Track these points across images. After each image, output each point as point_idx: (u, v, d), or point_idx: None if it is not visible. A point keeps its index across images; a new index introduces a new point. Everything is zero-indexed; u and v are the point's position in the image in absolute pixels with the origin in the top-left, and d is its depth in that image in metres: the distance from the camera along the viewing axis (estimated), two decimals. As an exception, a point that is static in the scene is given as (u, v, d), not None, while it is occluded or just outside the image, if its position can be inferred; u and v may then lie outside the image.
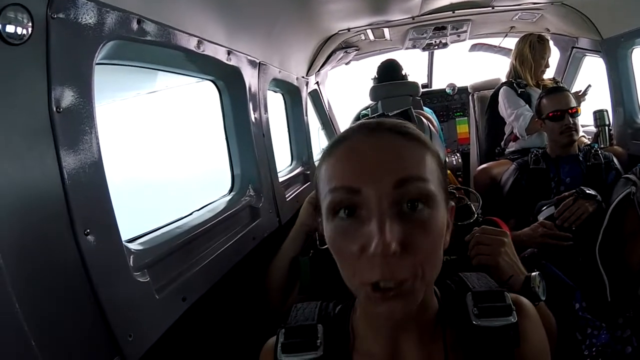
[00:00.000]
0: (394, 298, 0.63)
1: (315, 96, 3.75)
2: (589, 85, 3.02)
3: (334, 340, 0.79)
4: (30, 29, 0.78)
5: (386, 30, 3.24)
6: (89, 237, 0.91)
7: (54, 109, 0.84)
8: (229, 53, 1.67)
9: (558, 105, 2.32)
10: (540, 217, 2.11)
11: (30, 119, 0.81)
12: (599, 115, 2.73)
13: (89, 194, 0.93)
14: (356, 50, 3.62)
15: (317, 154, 3.39)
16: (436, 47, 3.91)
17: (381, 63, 3.86)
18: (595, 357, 1.54)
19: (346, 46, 3.41)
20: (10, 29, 0.74)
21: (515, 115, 3.02)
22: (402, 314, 0.65)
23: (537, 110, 2.45)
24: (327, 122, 4.04)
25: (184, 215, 1.54)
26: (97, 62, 0.97)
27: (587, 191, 2.01)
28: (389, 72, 3.74)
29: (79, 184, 0.89)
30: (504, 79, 3.31)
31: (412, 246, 0.62)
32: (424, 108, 3.68)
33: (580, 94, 2.96)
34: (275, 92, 2.80)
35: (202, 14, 1.44)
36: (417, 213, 0.64)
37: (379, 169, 0.65)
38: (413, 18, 2.94)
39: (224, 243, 1.56)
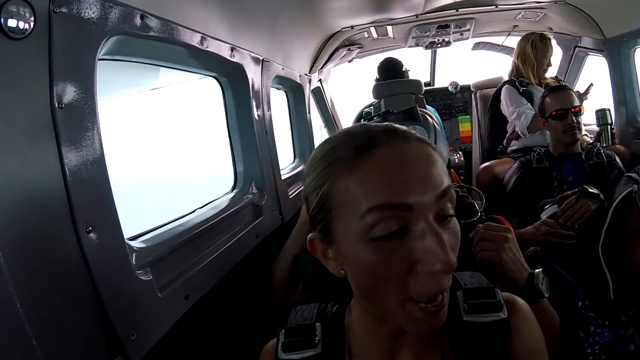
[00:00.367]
0: (438, 317, 0.64)
1: (318, 93, 3.74)
2: (591, 84, 3.01)
3: (331, 338, 0.79)
4: (32, 24, 0.77)
5: (389, 28, 3.23)
6: (91, 234, 0.90)
7: (56, 104, 0.83)
8: (232, 50, 1.66)
9: (561, 104, 2.31)
10: (543, 216, 2.11)
11: (31, 115, 0.80)
12: (601, 114, 2.73)
13: (90, 191, 0.92)
14: (359, 48, 3.62)
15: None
16: (439, 45, 3.91)
17: (381, 62, 3.87)
18: (598, 355, 1.55)
19: (349, 44, 3.41)
20: (12, 23, 0.73)
21: (517, 113, 3.01)
22: (442, 323, 0.66)
23: (540, 108, 2.44)
24: (329, 119, 4.03)
25: (186, 213, 1.53)
26: (99, 57, 0.96)
27: (590, 190, 2.01)
28: (391, 70, 3.75)
29: (80, 181, 0.89)
30: (506, 78, 3.30)
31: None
32: (426, 106, 3.68)
33: (582, 93, 2.95)
34: (278, 89, 2.80)
35: (205, 10, 1.43)
36: (450, 223, 0.64)
37: (424, 182, 0.62)
38: (416, 16, 2.93)
39: (227, 241, 1.56)
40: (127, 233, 1.06)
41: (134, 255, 1.07)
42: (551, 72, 3.26)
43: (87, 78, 0.92)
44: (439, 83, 4.90)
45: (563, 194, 2.09)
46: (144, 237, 1.23)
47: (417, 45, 3.90)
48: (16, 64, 0.77)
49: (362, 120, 3.95)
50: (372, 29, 3.14)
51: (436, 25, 3.38)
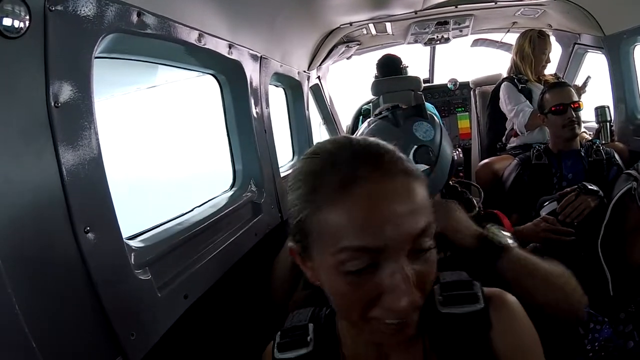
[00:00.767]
0: (402, 332, 0.67)
1: (317, 91, 3.74)
2: (589, 77, 3.02)
3: (323, 338, 0.83)
4: (27, 22, 0.76)
5: (388, 25, 3.23)
6: (89, 234, 0.90)
7: (52, 103, 0.83)
8: (230, 47, 1.66)
9: (561, 99, 2.32)
10: (543, 213, 2.11)
11: (27, 114, 0.79)
12: (600, 111, 2.74)
13: (88, 191, 0.92)
14: (358, 44, 3.61)
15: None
16: (438, 42, 3.92)
17: (380, 59, 3.86)
18: (597, 352, 1.55)
19: (348, 40, 3.41)
20: (7, 21, 0.73)
21: (515, 111, 3.02)
22: (409, 338, 0.69)
23: (540, 105, 2.44)
24: (328, 116, 4.03)
25: (185, 212, 1.53)
26: (96, 55, 0.95)
27: (589, 187, 2.02)
28: (390, 67, 3.74)
29: (78, 180, 0.88)
30: (505, 75, 3.30)
31: (422, 282, 0.65)
32: (425, 103, 3.67)
33: (580, 86, 2.95)
34: (277, 86, 2.80)
35: (203, 7, 1.42)
36: (426, 254, 0.66)
37: (401, 225, 0.62)
38: (415, 12, 2.93)
39: (226, 239, 1.55)
40: (125, 232, 1.05)
41: (132, 254, 1.07)
42: (550, 69, 3.26)
43: (84, 76, 0.91)
44: (438, 80, 4.89)
45: (562, 191, 2.09)
46: (142, 237, 1.23)
47: (416, 41, 3.91)
48: (12, 63, 0.76)
49: (361, 117, 3.95)
50: (371, 26, 3.14)
51: (435, 22, 3.38)
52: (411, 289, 0.62)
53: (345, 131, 4.25)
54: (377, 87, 3.73)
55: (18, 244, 0.75)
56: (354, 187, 0.63)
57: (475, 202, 1.50)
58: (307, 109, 3.08)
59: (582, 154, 2.32)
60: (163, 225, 1.36)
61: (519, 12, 3.16)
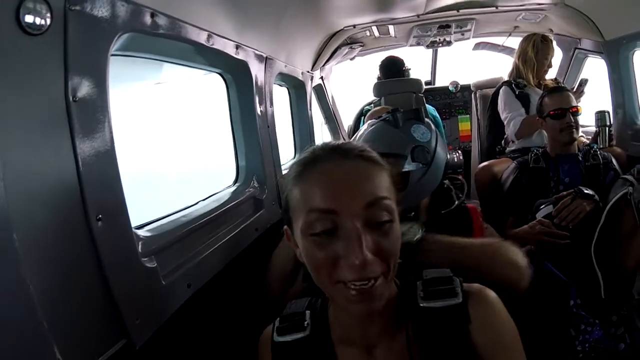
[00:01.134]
0: (367, 299, 0.76)
1: (320, 91, 3.76)
2: (586, 80, 3.04)
3: (318, 324, 0.92)
4: (49, 20, 0.80)
5: (391, 27, 3.25)
6: (100, 222, 0.93)
7: (70, 98, 0.86)
8: (237, 47, 1.70)
9: (560, 104, 2.35)
10: (539, 216, 2.14)
11: (47, 108, 0.83)
12: (600, 116, 2.75)
13: (102, 181, 0.96)
14: (361, 46, 3.64)
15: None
16: (440, 44, 3.94)
17: (383, 60, 3.89)
18: (587, 353, 1.58)
19: (351, 42, 3.43)
20: (29, 19, 0.76)
21: (507, 119, 3.07)
22: (375, 310, 0.78)
23: (539, 109, 2.47)
24: (330, 116, 4.05)
25: (189, 205, 1.57)
26: (111, 53, 0.99)
27: (585, 191, 2.04)
28: (392, 69, 3.77)
29: (92, 171, 0.92)
30: (506, 78, 3.32)
31: (381, 252, 0.75)
32: (426, 105, 3.71)
33: (577, 90, 2.97)
34: (281, 86, 2.83)
35: (212, 9, 1.46)
36: (383, 226, 0.77)
37: (352, 193, 0.76)
38: (418, 16, 2.96)
39: (228, 233, 1.59)
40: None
41: (140, 243, 1.11)
42: (551, 74, 3.29)
43: (100, 73, 0.95)
44: (440, 82, 4.91)
45: (559, 195, 2.13)
46: (149, 227, 1.27)
47: (418, 44, 3.92)
48: (33, 59, 0.79)
49: (363, 117, 3.99)
50: (374, 28, 3.17)
51: (437, 25, 3.40)
52: (363, 249, 0.73)
53: (346, 131, 4.28)
54: (379, 89, 3.76)
55: (35, 230, 0.79)
56: (316, 165, 0.81)
57: (457, 197, 1.54)
58: (310, 109, 3.11)
59: (580, 159, 2.34)
60: (169, 217, 1.40)
61: (520, 17, 3.18)
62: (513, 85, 3.07)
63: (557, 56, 3.60)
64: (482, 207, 1.71)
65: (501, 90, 3.15)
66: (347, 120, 4.42)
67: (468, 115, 4.53)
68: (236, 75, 1.85)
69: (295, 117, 3.02)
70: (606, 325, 1.75)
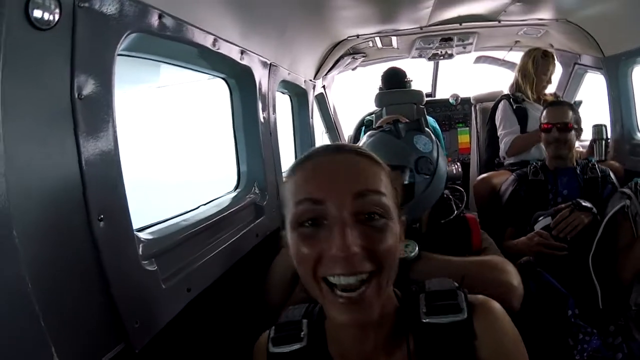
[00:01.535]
0: (356, 308, 0.71)
1: (321, 100, 3.78)
2: (580, 102, 3.07)
3: (316, 334, 0.86)
4: (57, 16, 0.80)
5: (394, 39, 3.28)
6: (102, 223, 0.92)
7: (76, 95, 0.86)
8: (242, 53, 1.70)
9: (551, 119, 2.37)
10: (537, 227, 2.15)
11: (52, 103, 0.82)
12: (597, 129, 2.78)
13: (104, 181, 0.95)
14: (363, 56, 3.66)
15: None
16: (442, 57, 3.96)
17: (385, 71, 3.90)
18: (585, 362, 1.58)
19: (354, 52, 3.45)
20: (38, 13, 0.76)
21: (501, 137, 3.10)
22: (363, 321, 0.74)
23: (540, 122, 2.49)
24: (331, 126, 4.07)
25: (190, 209, 1.56)
26: (118, 52, 0.99)
27: (583, 203, 2.05)
28: (394, 80, 3.78)
29: (95, 170, 0.91)
30: (506, 91, 3.34)
31: (370, 251, 0.71)
32: (427, 117, 3.72)
33: None
34: (283, 93, 2.84)
35: (219, 13, 1.47)
36: (374, 222, 0.72)
37: (340, 182, 0.73)
38: (421, 28, 2.98)
39: (228, 238, 1.58)
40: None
41: (141, 245, 1.09)
42: (550, 89, 3.31)
43: (106, 72, 0.95)
44: (440, 94, 4.94)
45: (557, 207, 2.13)
46: (150, 229, 1.26)
47: (420, 56, 3.94)
48: (40, 54, 0.79)
49: (364, 128, 4.00)
50: (377, 39, 3.19)
51: (440, 38, 3.43)
52: (347, 239, 0.69)
53: (347, 141, 4.28)
54: (380, 99, 3.77)
55: (36, 228, 0.78)
56: (307, 161, 0.79)
57: (456, 206, 1.54)
58: (312, 117, 3.12)
59: (578, 172, 2.35)
60: (170, 220, 1.39)
61: (521, 32, 3.21)
62: (511, 100, 3.08)
63: (557, 71, 3.63)
64: (481, 218, 1.71)
65: (500, 104, 3.16)
66: (347, 130, 4.42)
67: (467, 128, 4.54)
68: (240, 81, 1.86)
69: (297, 125, 3.03)
70: (604, 335, 1.75)
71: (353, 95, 5.16)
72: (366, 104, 4.25)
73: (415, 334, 0.81)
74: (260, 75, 1.91)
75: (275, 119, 2.10)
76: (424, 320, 0.81)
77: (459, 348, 0.78)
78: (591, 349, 1.62)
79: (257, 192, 1.92)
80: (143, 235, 1.16)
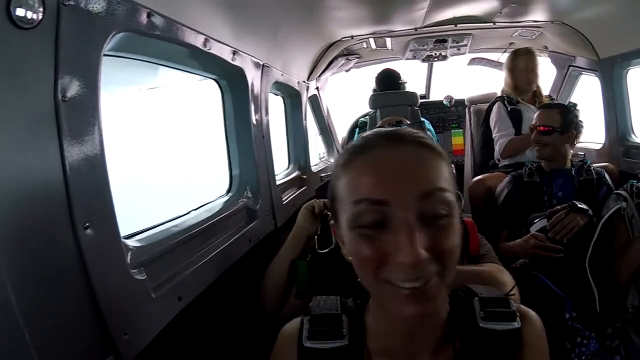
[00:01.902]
0: (420, 299, 0.67)
1: (315, 101, 3.75)
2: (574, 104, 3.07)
3: (355, 332, 0.81)
4: (41, 14, 0.76)
5: (388, 40, 3.27)
6: (87, 231, 0.89)
7: (60, 97, 0.82)
8: (234, 53, 1.67)
9: (535, 121, 2.41)
10: (533, 230, 2.15)
11: (35, 106, 0.79)
12: None
13: (90, 187, 0.91)
14: (357, 58, 3.64)
15: (314, 159, 3.39)
16: (436, 59, 3.97)
17: (379, 72, 3.90)
18: (584, 365, 1.58)
19: (348, 53, 3.44)
20: (20, 12, 0.72)
21: (496, 139, 3.11)
22: (425, 315, 0.70)
23: None
24: (325, 127, 4.05)
25: (181, 214, 1.53)
26: (104, 53, 0.95)
27: (579, 205, 2.05)
28: (388, 81, 3.78)
29: (80, 175, 0.88)
30: (500, 93, 3.34)
31: (436, 251, 0.66)
32: (422, 119, 3.71)
33: None
34: (276, 94, 2.81)
35: (210, 13, 1.44)
36: (440, 221, 0.68)
37: (406, 181, 0.68)
38: (415, 29, 2.97)
39: (220, 244, 1.55)
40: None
41: (129, 254, 1.06)
42: (545, 91, 3.31)
43: (92, 73, 0.91)
44: (434, 96, 4.94)
45: (553, 209, 2.13)
46: (139, 237, 1.23)
47: (414, 58, 3.94)
48: (22, 54, 0.76)
49: (357, 129, 3.98)
50: (371, 40, 3.17)
51: (434, 40, 3.43)
52: (416, 246, 0.64)
53: (340, 143, 4.27)
54: (375, 101, 3.77)
55: (18, 237, 0.75)
56: (364, 153, 0.72)
57: None
58: (305, 119, 3.10)
59: (573, 173, 2.35)
60: (159, 227, 1.36)
61: (516, 33, 3.22)
62: (506, 102, 3.08)
63: (551, 73, 3.64)
64: (476, 220, 1.70)
65: (494, 107, 3.16)
66: (341, 131, 4.40)
67: (461, 130, 4.56)
68: (232, 82, 1.82)
69: (290, 127, 3.00)
70: (601, 338, 1.76)
71: (346, 97, 5.15)
72: (360, 106, 4.25)
73: (464, 337, 0.79)
74: (253, 76, 1.88)
75: (268, 120, 2.07)
76: (481, 325, 0.78)
77: (506, 356, 0.78)
78: (589, 352, 1.62)
79: (250, 195, 1.89)
80: (131, 242, 1.13)
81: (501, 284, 1.28)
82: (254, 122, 1.90)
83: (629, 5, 2.22)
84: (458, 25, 2.98)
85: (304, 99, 3.07)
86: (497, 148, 3.08)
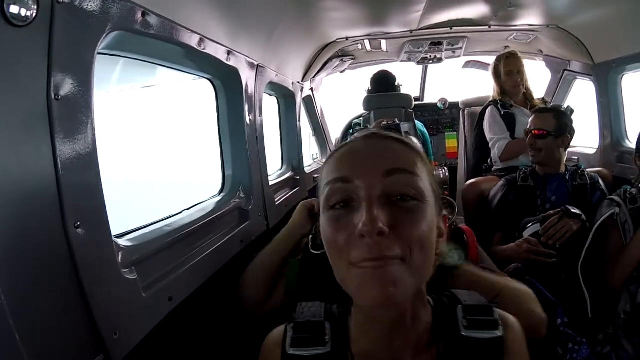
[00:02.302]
0: (381, 281, 0.66)
1: (309, 102, 3.76)
2: (572, 110, 3.08)
3: (338, 338, 0.81)
4: (35, 12, 0.76)
5: (383, 42, 3.28)
6: (79, 230, 0.88)
7: (53, 95, 0.82)
8: (228, 53, 1.66)
9: (530, 125, 2.42)
10: (526, 234, 2.15)
11: (27, 104, 0.79)
12: None
13: (81, 186, 0.91)
14: (352, 59, 3.65)
15: (307, 160, 3.39)
16: (431, 61, 3.97)
17: (375, 74, 3.89)
18: (575, 372, 1.58)
19: (343, 55, 3.44)
20: (14, 9, 0.72)
21: (492, 142, 3.12)
22: (387, 301, 0.67)
23: None
24: (318, 128, 4.05)
25: (173, 214, 1.52)
26: (98, 51, 0.95)
27: (572, 210, 2.06)
28: (384, 83, 3.78)
29: (72, 174, 0.87)
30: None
31: (399, 230, 0.67)
32: (415, 121, 3.72)
33: None
34: (270, 95, 2.81)
35: (205, 12, 1.43)
36: (406, 203, 0.70)
37: (371, 162, 0.72)
38: (411, 32, 2.98)
39: (212, 244, 1.54)
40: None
41: (120, 253, 1.06)
42: (539, 94, 3.33)
43: (86, 71, 0.91)
44: (429, 99, 4.95)
45: (546, 214, 2.13)
46: (130, 236, 1.22)
47: (409, 60, 3.95)
48: (16, 52, 0.75)
49: (351, 131, 3.98)
50: (367, 42, 3.18)
51: (429, 42, 3.44)
52: (375, 217, 0.66)
53: (334, 144, 4.27)
54: (369, 103, 3.76)
55: (8, 235, 0.74)
56: (342, 147, 0.79)
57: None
58: (299, 120, 3.09)
59: (567, 178, 2.36)
60: (151, 226, 1.35)
61: (511, 37, 3.24)
62: (499, 106, 3.09)
63: (546, 77, 3.65)
64: (469, 223, 1.70)
65: (487, 110, 3.18)
66: (334, 133, 4.40)
67: (455, 133, 4.57)
68: (226, 82, 1.82)
69: (284, 128, 3.00)
70: (593, 344, 1.76)
71: (340, 98, 5.15)
72: (353, 107, 4.25)
73: (447, 344, 0.79)
74: (247, 76, 1.88)
75: (261, 121, 2.07)
76: (464, 334, 0.79)
77: None
78: (580, 358, 1.61)
79: (243, 196, 1.89)
80: (122, 242, 1.12)
81: (535, 302, 1.28)
82: (248, 122, 1.89)
83: (624, 11, 2.23)
84: (453, 28, 2.99)
85: (298, 99, 3.07)
86: (495, 151, 3.08)
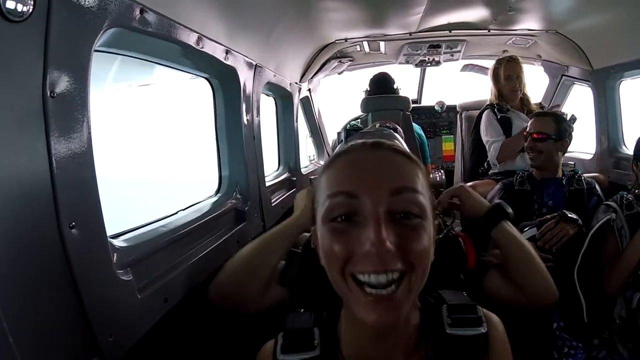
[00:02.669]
0: (386, 308, 0.69)
1: (306, 103, 3.75)
2: (574, 118, 3.09)
3: (327, 343, 0.83)
4: (31, 7, 0.75)
5: (382, 44, 3.27)
6: (73, 230, 0.87)
7: (48, 93, 0.81)
8: (227, 52, 1.66)
9: (529, 128, 2.42)
10: (522, 238, 2.14)
11: (23, 101, 0.77)
12: None
13: (76, 185, 0.90)
14: (350, 60, 3.64)
15: (304, 161, 3.38)
16: (429, 64, 3.97)
17: (374, 76, 3.89)
18: (570, 376, 1.59)
19: (341, 56, 3.44)
20: (10, 4, 0.71)
21: (488, 144, 3.12)
22: (390, 323, 0.72)
23: None
24: (315, 129, 4.05)
25: (169, 214, 1.51)
26: (95, 48, 0.94)
27: (569, 215, 2.05)
28: (382, 85, 3.77)
29: (67, 173, 0.86)
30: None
31: (404, 250, 0.68)
32: (413, 123, 3.72)
33: None
34: (268, 95, 2.80)
35: (204, 11, 1.43)
36: (410, 221, 0.70)
37: (378, 178, 0.71)
38: (410, 34, 2.98)
39: (208, 245, 1.54)
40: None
41: (115, 254, 1.05)
42: (536, 99, 3.33)
43: (82, 69, 0.90)
44: (426, 101, 4.96)
45: (543, 218, 2.13)
46: (126, 236, 1.21)
47: (407, 62, 3.95)
48: (11, 48, 0.74)
49: (349, 133, 3.97)
50: (365, 43, 3.18)
51: (428, 45, 3.44)
52: (382, 236, 0.66)
53: (331, 145, 4.26)
54: (367, 105, 3.76)
55: (2, 236, 0.73)
56: (345, 155, 0.77)
57: (444, 224, 1.50)
58: (296, 121, 3.09)
59: (564, 183, 2.36)
60: (147, 227, 1.34)
61: (510, 41, 3.24)
62: (495, 110, 3.09)
63: (544, 82, 3.66)
64: (465, 227, 1.69)
65: (484, 114, 3.18)
66: (331, 134, 4.40)
67: (452, 136, 4.57)
68: (224, 81, 1.81)
69: (281, 128, 2.99)
70: (588, 348, 1.76)
71: (337, 100, 5.15)
72: (351, 109, 4.24)
73: (434, 343, 0.82)
74: (245, 76, 1.87)
75: (259, 121, 2.06)
76: (448, 332, 0.82)
77: (474, 358, 0.82)
78: (576, 362, 1.62)
79: (239, 197, 1.88)
80: (118, 242, 1.11)
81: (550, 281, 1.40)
82: (245, 122, 1.89)
83: (623, 17, 2.23)
84: (452, 31, 2.99)
85: (296, 100, 3.06)
86: (492, 152, 3.07)
